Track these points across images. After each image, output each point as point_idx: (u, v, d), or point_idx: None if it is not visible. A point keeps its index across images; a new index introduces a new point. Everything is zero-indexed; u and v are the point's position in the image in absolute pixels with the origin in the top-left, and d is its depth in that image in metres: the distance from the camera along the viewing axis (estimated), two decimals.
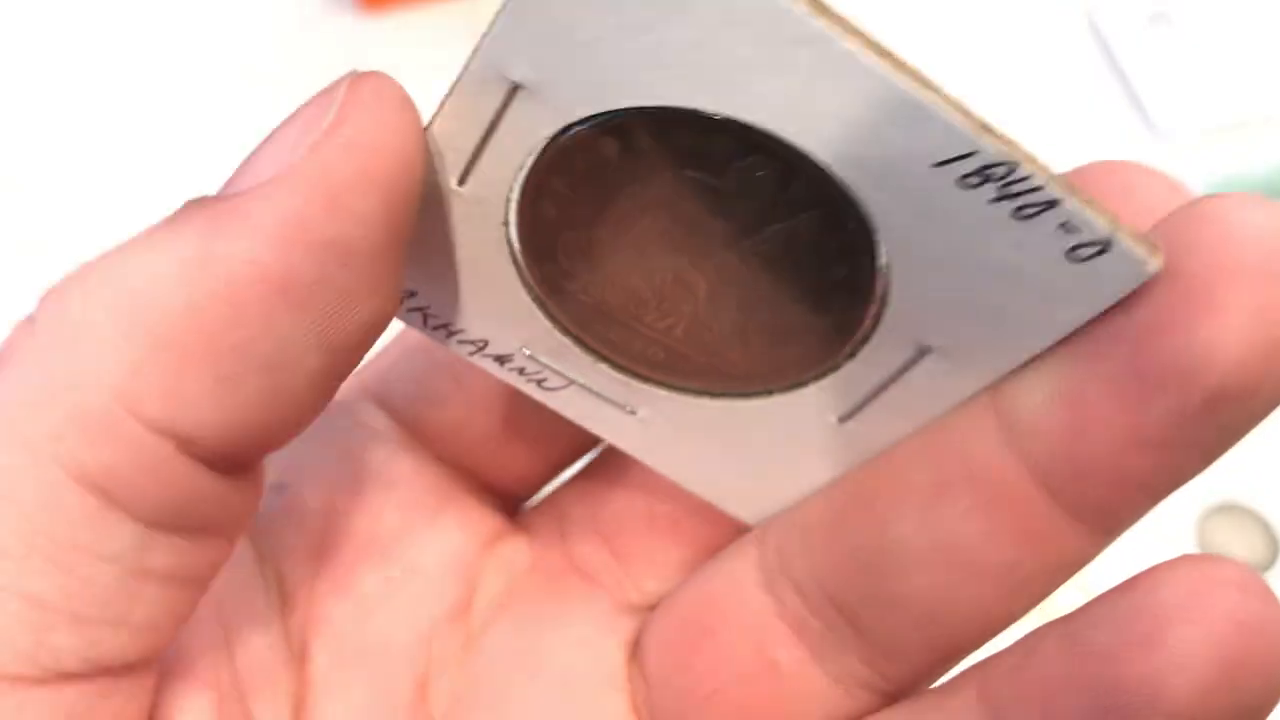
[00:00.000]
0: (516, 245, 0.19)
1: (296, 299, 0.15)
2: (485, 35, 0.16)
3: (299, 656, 0.20)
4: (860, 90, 0.15)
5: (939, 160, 0.16)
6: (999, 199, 0.16)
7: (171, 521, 0.16)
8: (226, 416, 0.16)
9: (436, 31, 0.58)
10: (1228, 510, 0.49)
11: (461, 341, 0.20)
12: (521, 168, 0.18)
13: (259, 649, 0.19)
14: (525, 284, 0.19)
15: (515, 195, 0.18)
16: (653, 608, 0.22)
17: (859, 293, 0.18)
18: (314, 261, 0.15)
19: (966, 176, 0.16)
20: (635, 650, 0.22)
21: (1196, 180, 0.54)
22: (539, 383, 0.20)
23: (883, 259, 0.17)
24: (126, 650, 0.16)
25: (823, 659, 0.19)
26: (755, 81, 0.15)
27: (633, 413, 0.20)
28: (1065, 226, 0.16)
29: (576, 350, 0.20)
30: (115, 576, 0.16)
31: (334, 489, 0.21)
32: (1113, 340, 0.16)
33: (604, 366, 0.20)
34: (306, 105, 0.16)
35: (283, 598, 0.20)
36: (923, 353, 0.18)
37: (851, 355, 0.18)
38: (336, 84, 0.16)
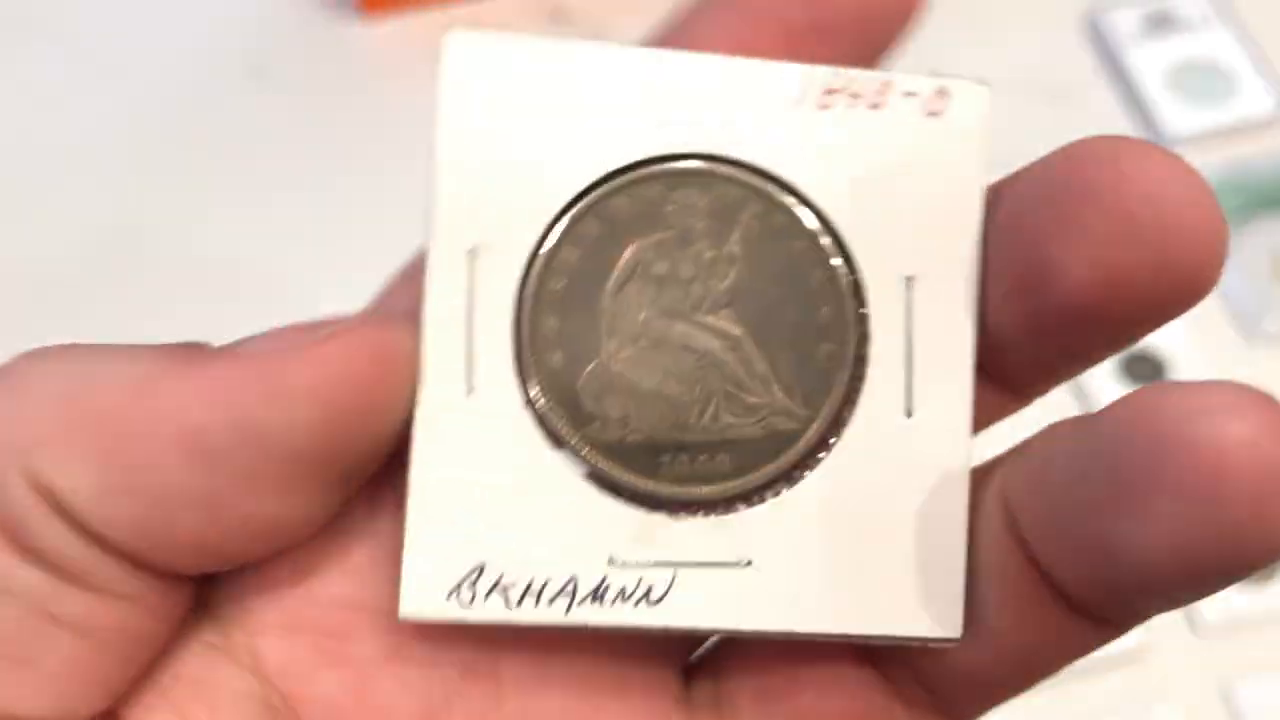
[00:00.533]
0: (548, 421, 0.19)
1: (197, 454, 0.16)
2: (430, 232, 0.19)
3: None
4: (707, 79, 0.19)
5: (794, 100, 0.19)
6: (853, 102, 0.19)
7: (79, 578, 0.17)
8: (103, 520, 0.17)
9: (436, 34, 0.58)
10: None
11: (552, 600, 0.19)
12: (514, 328, 0.19)
13: None
14: (577, 463, 0.19)
15: (522, 362, 0.19)
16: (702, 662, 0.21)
17: (830, 262, 0.19)
18: (228, 432, 0.16)
19: (820, 100, 0.19)
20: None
21: None
22: (648, 599, 0.19)
23: (825, 212, 0.19)
24: (37, 701, 0.17)
25: None
26: (636, 121, 0.19)
27: (748, 564, 0.19)
28: (908, 94, 0.19)
29: (660, 518, 0.19)
30: (23, 612, 0.17)
31: (305, 551, 0.19)
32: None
33: (694, 520, 0.19)
34: (314, 323, 0.18)
35: (258, 674, 0.19)
36: (910, 285, 0.19)
37: (863, 336, 0.19)
38: (350, 317, 0.18)
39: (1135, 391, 0.16)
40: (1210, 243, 0.17)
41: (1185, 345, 0.52)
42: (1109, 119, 0.57)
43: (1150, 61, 0.57)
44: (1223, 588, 0.16)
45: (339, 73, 0.58)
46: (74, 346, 0.17)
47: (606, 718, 0.20)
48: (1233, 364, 0.52)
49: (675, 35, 0.20)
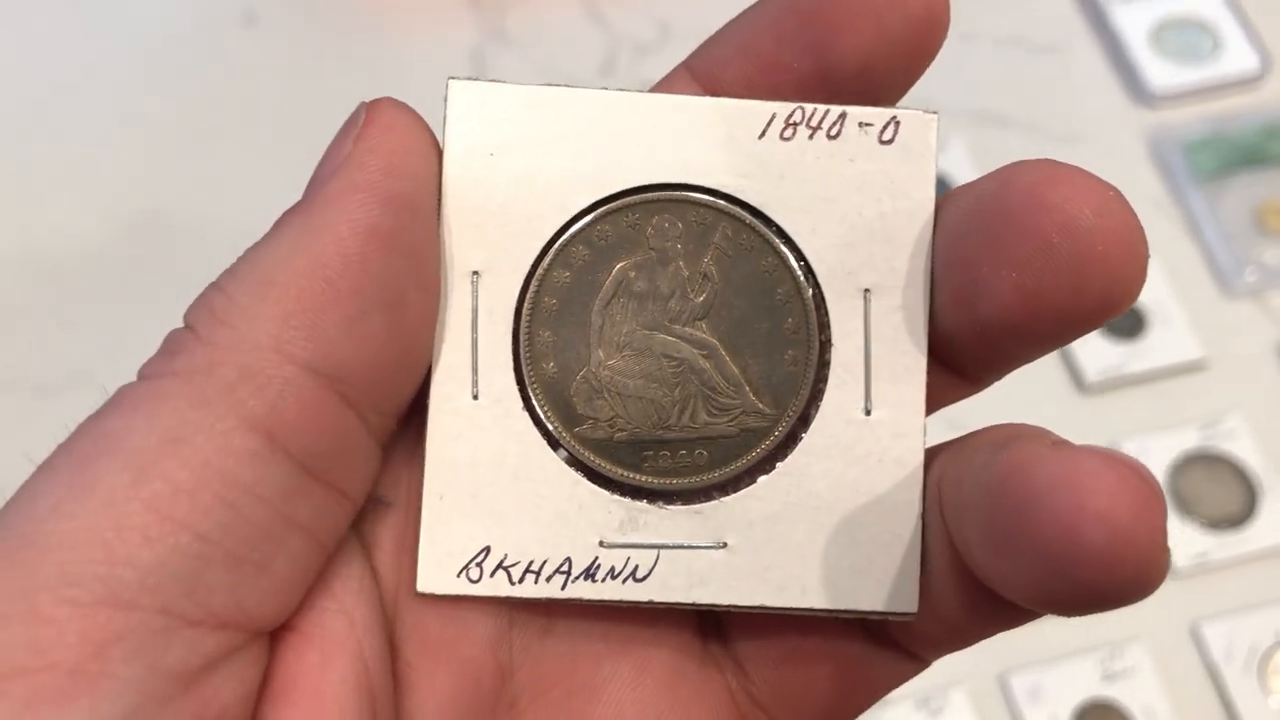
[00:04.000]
0: (543, 422, 0.21)
1: (388, 243, 0.19)
2: (441, 245, 0.21)
3: (395, 648, 0.21)
4: (681, 116, 0.21)
5: (759, 133, 0.21)
6: (813, 133, 0.21)
7: (322, 466, 0.19)
8: (359, 351, 0.19)
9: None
10: (1203, 459, 0.50)
11: (549, 578, 0.21)
12: (513, 341, 0.21)
13: (369, 631, 0.20)
14: (570, 460, 0.21)
15: (521, 371, 0.21)
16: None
17: (795, 277, 0.21)
18: (389, 212, 0.19)
19: (783, 132, 0.21)
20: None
21: (1180, 142, 0.55)
22: (634, 577, 0.21)
23: (789, 232, 0.21)
24: (265, 603, 0.18)
25: None
26: (617, 156, 0.21)
27: (724, 545, 0.21)
28: (862, 125, 0.21)
29: (645, 506, 0.21)
30: (267, 517, 0.18)
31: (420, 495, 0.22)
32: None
33: (675, 508, 0.21)
34: (343, 129, 0.20)
35: (378, 585, 0.21)
36: (867, 296, 0.21)
37: (826, 343, 0.21)
38: (360, 107, 0.20)
39: (1019, 445, 0.18)
40: (1127, 266, 0.18)
41: (1165, 298, 0.53)
42: (1094, 75, 0.58)
43: (1136, 18, 0.58)
44: (1074, 616, 0.19)
45: (330, 17, 0.58)
46: (215, 282, 0.19)
47: (640, 660, 0.22)
48: (1211, 317, 0.53)
49: (687, 81, 0.22)
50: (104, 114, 0.56)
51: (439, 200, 0.21)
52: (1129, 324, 0.52)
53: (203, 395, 0.18)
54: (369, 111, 0.20)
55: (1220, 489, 0.49)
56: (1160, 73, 0.57)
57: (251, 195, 0.53)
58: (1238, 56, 0.57)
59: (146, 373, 0.18)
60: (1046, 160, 0.19)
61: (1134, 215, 0.18)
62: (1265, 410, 0.51)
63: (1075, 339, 0.20)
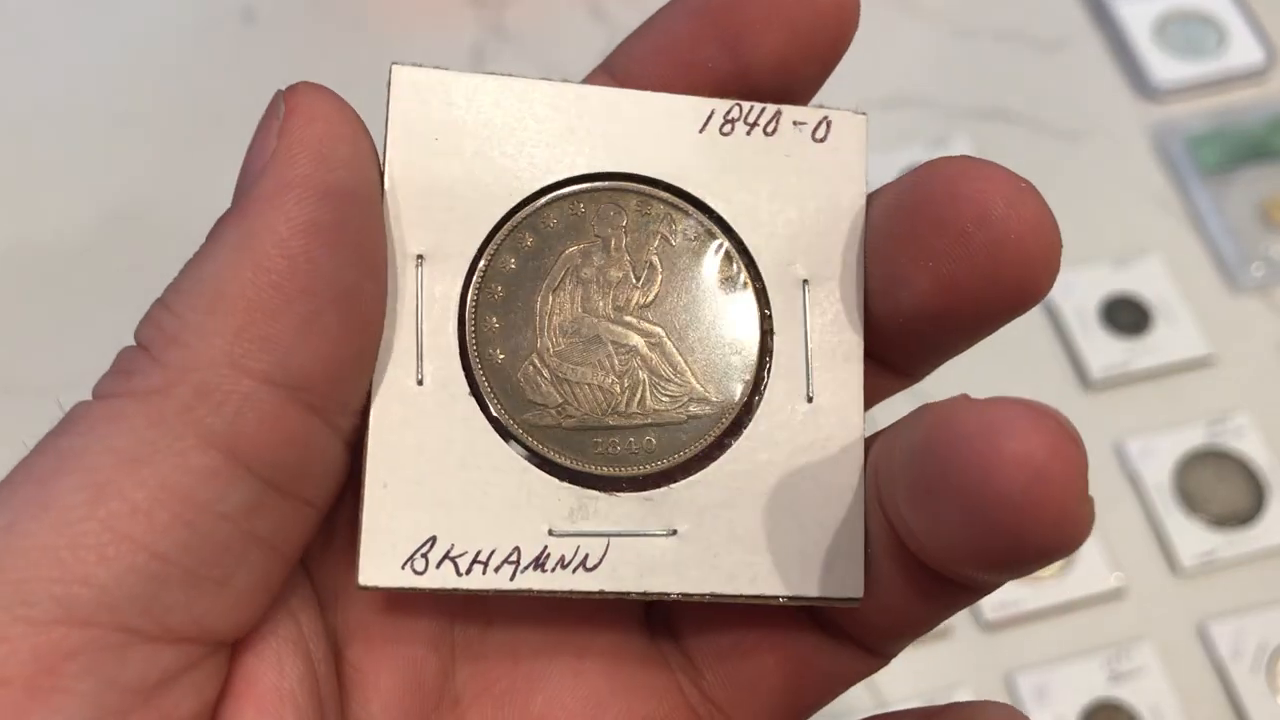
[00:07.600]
0: (490, 408, 0.21)
1: (332, 237, 0.18)
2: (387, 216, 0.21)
3: (337, 649, 0.21)
4: (624, 109, 0.21)
5: (699, 128, 0.22)
6: (750, 130, 0.22)
7: (286, 478, 0.18)
8: (316, 353, 0.18)
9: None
10: (1210, 456, 0.50)
11: (498, 569, 0.20)
12: (459, 328, 0.21)
13: (316, 634, 0.20)
14: (518, 446, 0.21)
15: (467, 357, 0.21)
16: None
17: (736, 267, 0.22)
18: (327, 205, 0.18)
19: (721, 127, 0.22)
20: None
21: (1185, 136, 0.55)
22: (584, 566, 0.21)
23: (729, 223, 0.22)
24: (224, 618, 0.18)
25: None
26: (562, 146, 0.21)
27: (674, 533, 0.21)
28: (797, 124, 0.22)
29: (594, 493, 0.21)
30: (227, 534, 0.18)
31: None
32: None
33: (625, 495, 0.21)
34: (263, 123, 0.19)
35: (318, 596, 0.21)
36: (805, 287, 0.22)
37: (767, 332, 0.21)
38: (276, 97, 0.19)
39: (940, 404, 0.19)
40: (1040, 258, 0.19)
41: (1170, 294, 0.52)
42: (1098, 70, 0.57)
43: (1139, 12, 0.57)
44: (1005, 578, 0.19)
45: (329, 14, 0.58)
46: (157, 301, 0.18)
47: (579, 650, 0.22)
48: (1217, 313, 0.53)
49: (605, 82, 0.22)
50: (101, 112, 0.56)
51: (380, 183, 0.20)
52: (1134, 320, 0.52)
53: (160, 415, 0.17)
54: (288, 101, 0.19)
55: (1227, 487, 0.49)
56: (1164, 67, 0.56)
57: None
58: (1242, 50, 0.57)
59: (102, 392, 0.18)
60: (963, 156, 0.20)
61: (1046, 207, 0.19)
62: (1273, 407, 0.51)
63: (994, 330, 0.20)
